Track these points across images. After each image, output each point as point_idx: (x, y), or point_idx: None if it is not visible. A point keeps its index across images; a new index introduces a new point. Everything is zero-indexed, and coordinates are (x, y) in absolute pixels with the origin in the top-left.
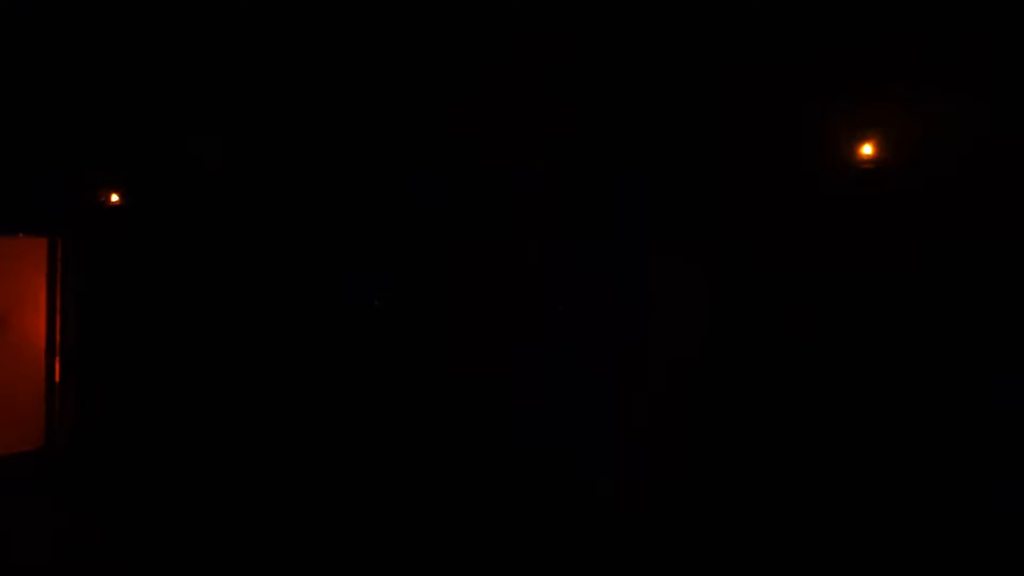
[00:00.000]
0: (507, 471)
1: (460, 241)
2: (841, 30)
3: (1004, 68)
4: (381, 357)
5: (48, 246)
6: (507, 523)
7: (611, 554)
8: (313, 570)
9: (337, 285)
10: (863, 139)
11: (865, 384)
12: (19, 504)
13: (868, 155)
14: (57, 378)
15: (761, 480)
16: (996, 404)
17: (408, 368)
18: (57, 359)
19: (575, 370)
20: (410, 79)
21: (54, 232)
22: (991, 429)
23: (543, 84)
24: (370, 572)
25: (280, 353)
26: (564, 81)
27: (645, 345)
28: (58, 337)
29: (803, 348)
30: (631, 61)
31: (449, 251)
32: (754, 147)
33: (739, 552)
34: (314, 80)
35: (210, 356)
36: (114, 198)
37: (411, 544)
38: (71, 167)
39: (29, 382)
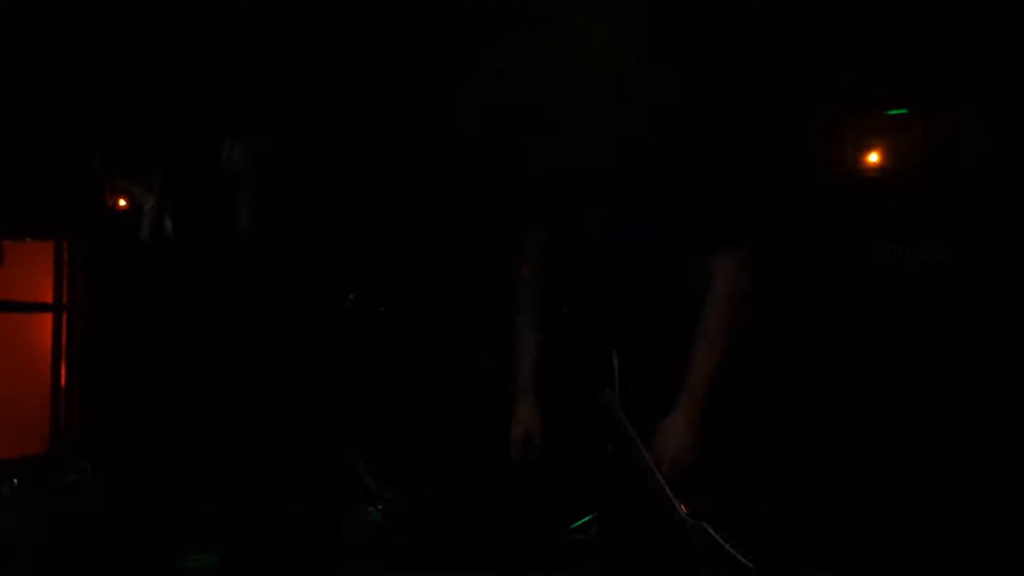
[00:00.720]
0: (506, 484)
1: (464, 240)
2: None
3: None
4: (383, 361)
5: (55, 249)
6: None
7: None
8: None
9: (344, 290)
10: (870, 147)
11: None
12: (23, 508)
13: (874, 162)
14: (63, 382)
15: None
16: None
17: (408, 372)
18: (63, 363)
19: (579, 377)
20: (413, 77)
21: (61, 235)
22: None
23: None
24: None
25: (290, 357)
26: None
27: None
28: (64, 341)
29: (804, 354)
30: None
31: (452, 250)
32: (759, 149)
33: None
34: (324, 83)
35: (218, 361)
36: (122, 202)
37: (412, 547)
38: (78, 170)
39: (34, 386)
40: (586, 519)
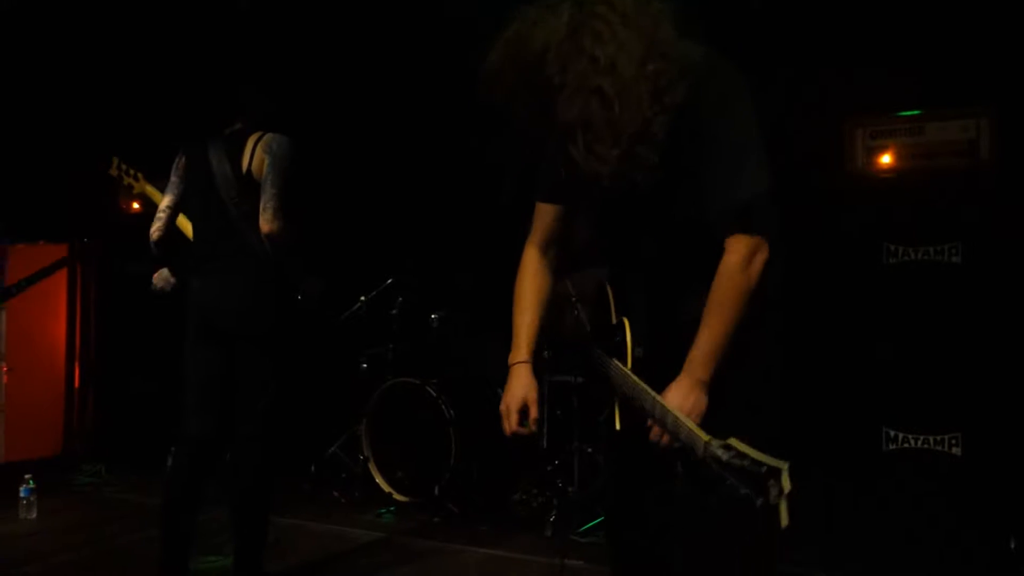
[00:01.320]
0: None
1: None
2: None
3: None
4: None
5: (69, 252)
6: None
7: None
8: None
9: (353, 292)
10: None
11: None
12: (35, 511)
13: (887, 164)
14: (76, 384)
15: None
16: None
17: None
18: (76, 365)
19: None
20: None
21: (75, 238)
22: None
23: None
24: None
25: (301, 360)
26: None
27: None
28: (78, 343)
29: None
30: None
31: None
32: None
33: None
34: (355, 84)
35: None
36: (135, 205)
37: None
38: (92, 172)
39: (48, 388)
40: (596, 521)
